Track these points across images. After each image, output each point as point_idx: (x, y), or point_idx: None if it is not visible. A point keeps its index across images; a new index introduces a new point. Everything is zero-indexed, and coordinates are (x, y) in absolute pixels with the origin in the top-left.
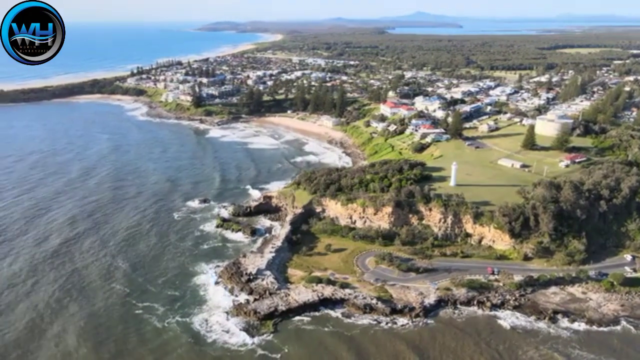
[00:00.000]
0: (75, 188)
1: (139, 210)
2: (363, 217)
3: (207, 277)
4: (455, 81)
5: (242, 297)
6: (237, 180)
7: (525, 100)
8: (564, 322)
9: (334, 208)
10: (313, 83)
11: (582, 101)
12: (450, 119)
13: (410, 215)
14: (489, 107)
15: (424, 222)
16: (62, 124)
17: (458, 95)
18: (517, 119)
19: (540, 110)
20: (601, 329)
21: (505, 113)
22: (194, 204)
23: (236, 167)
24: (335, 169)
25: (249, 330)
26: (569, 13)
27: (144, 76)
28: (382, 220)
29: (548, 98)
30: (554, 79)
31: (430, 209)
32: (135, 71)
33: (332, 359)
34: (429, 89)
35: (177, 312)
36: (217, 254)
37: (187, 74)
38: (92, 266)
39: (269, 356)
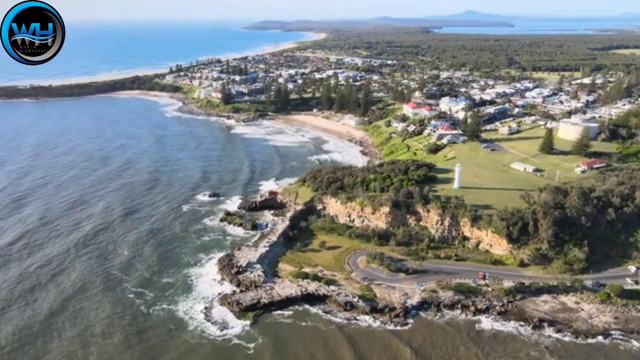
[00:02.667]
0: (111, 179)
1: (160, 202)
2: (361, 216)
3: (202, 267)
4: (491, 82)
5: (230, 288)
6: (251, 175)
7: (562, 102)
8: (549, 331)
9: (334, 206)
10: (341, 82)
11: (624, 105)
12: (469, 121)
13: (408, 216)
14: (516, 109)
15: (421, 223)
16: (104, 118)
17: (488, 97)
18: (542, 122)
19: (573, 114)
20: (588, 341)
21: (532, 115)
22: (204, 197)
23: (251, 163)
24: (341, 167)
25: (229, 320)
26: (633, 11)
27: (181, 73)
28: (380, 220)
29: (588, 101)
30: (599, 81)
31: (428, 211)
32: (174, 68)
33: (303, 352)
34: (462, 90)
35: (166, 299)
36: (215, 247)
37: (222, 71)
38: (100, 252)
39: (243, 346)
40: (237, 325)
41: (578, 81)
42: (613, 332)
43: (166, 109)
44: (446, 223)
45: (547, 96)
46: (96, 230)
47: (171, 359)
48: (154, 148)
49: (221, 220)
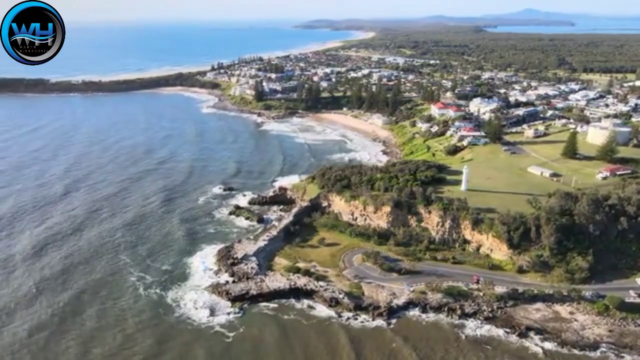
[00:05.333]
0: (151, 170)
1: (185, 195)
2: (364, 214)
3: (201, 257)
4: (534, 83)
5: (223, 279)
6: (265, 170)
7: (608, 106)
8: (535, 340)
9: (338, 204)
10: (374, 81)
11: None
12: (494, 122)
13: (409, 217)
14: (549, 112)
15: (422, 224)
16: (149, 112)
17: (525, 99)
18: (572, 126)
19: (616, 118)
20: (574, 352)
21: (565, 118)
22: (219, 191)
23: (273, 159)
24: (350, 166)
25: (216, 309)
26: None
27: (221, 71)
28: (381, 219)
29: (637, 104)
30: None
31: (429, 212)
32: (215, 66)
33: (278, 345)
34: (502, 91)
35: (161, 284)
36: (220, 238)
37: (259, 69)
38: (115, 238)
39: (224, 334)
40: (223, 314)
41: (630, 84)
42: (604, 345)
43: (202, 104)
44: (447, 225)
45: (593, 99)
46: (122, 218)
47: (153, 342)
48: (192, 142)
49: (230, 213)
